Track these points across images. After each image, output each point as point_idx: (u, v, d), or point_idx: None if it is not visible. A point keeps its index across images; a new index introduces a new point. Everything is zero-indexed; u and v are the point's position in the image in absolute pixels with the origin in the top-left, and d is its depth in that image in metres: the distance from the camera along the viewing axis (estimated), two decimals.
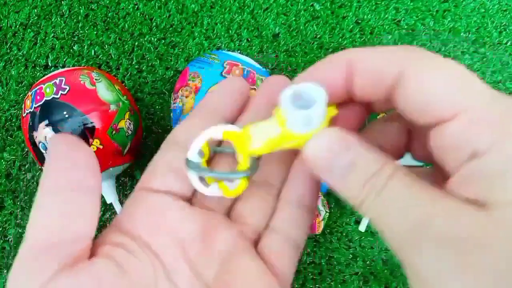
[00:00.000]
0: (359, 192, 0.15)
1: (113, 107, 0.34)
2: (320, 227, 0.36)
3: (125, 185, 0.40)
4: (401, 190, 0.14)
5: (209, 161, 0.20)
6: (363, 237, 0.38)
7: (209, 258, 0.18)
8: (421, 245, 0.13)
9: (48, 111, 0.32)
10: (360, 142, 0.16)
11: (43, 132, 0.32)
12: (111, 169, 0.35)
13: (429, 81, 0.14)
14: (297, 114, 0.16)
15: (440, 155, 0.15)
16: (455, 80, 0.14)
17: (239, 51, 0.43)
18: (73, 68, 0.36)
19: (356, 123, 0.19)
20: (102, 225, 0.39)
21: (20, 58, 0.44)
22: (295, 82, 0.17)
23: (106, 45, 0.44)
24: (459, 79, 0.14)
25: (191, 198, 0.20)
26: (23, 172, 0.40)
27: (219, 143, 0.21)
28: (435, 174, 0.18)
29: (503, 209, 0.12)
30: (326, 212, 0.37)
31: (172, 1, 0.45)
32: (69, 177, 0.16)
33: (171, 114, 0.36)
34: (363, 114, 0.19)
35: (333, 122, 0.17)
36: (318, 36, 0.44)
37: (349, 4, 0.45)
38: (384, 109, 0.18)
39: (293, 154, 0.20)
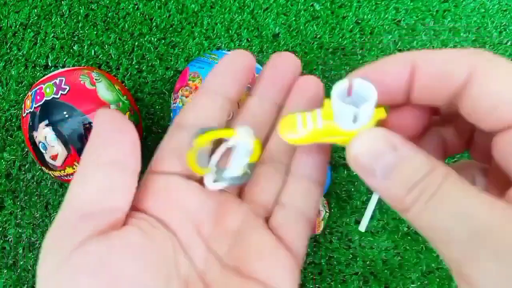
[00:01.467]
0: (404, 197, 0.14)
1: (113, 107, 0.34)
2: (320, 227, 0.36)
3: None
4: (456, 196, 0.13)
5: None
6: (363, 237, 0.38)
7: (222, 234, 0.19)
8: (479, 256, 0.13)
9: (48, 111, 0.32)
10: (407, 143, 0.15)
11: (43, 132, 0.32)
12: None
13: (499, 85, 0.14)
14: (345, 110, 0.15)
15: (503, 161, 0.14)
16: None
17: None
18: (73, 68, 0.36)
19: (413, 128, 0.17)
20: None
21: (20, 58, 0.44)
22: (352, 76, 0.16)
23: (106, 45, 0.44)
24: None
25: (202, 179, 0.20)
26: (23, 172, 0.40)
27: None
28: (493, 174, 0.17)
29: None
30: (326, 212, 0.37)
31: (172, 1, 0.45)
32: (110, 154, 0.17)
33: (171, 114, 0.36)
34: (423, 120, 0.17)
35: (386, 125, 0.16)
36: (318, 36, 0.44)
37: (349, 4, 0.45)
38: (445, 113, 0.18)
39: None
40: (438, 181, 0.14)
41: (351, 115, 0.15)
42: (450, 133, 0.18)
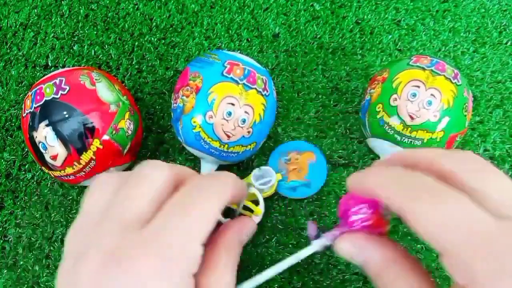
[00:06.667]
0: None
1: (113, 107, 0.34)
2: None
3: None
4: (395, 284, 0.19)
5: None
6: None
7: None
8: None
9: (48, 111, 0.32)
10: (367, 243, 0.21)
11: (43, 132, 0.32)
12: (111, 169, 0.35)
13: (424, 220, 0.17)
14: (258, 184, 0.35)
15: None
16: (448, 221, 0.16)
17: (239, 51, 0.43)
18: (73, 68, 0.36)
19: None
20: None
21: (20, 58, 0.44)
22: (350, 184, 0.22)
23: (106, 45, 0.44)
24: (451, 219, 0.16)
25: None
26: (23, 172, 0.40)
27: None
28: None
29: None
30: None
31: (172, 1, 0.45)
32: None
33: (172, 114, 0.36)
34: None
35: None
36: (318, 36, 0.44)
37: (349, 4, 0.45)
38: None
39: None
40: (390, 279, 0.20)
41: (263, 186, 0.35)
42: None
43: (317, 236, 0.24)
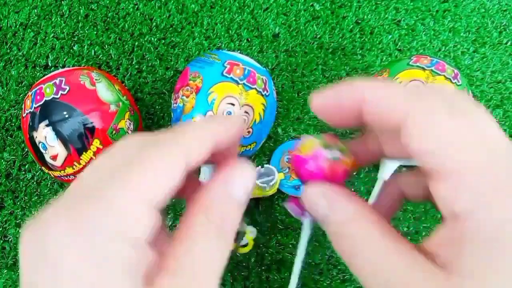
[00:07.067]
0: (340, 230, 0.18)
1: (113, 107, 0.34)
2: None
3: None
4: (366, 239, 0.17)
5: None
6: None
7: None
8: None
9: (48, 111, 0.32)
10: (336, 192, 0.19)
11: (43, 132, 0.32)
12: None
13: (427, 136, 0.15)
14: (261, 184, 0.36)
15: (434, 200, 0.16)
16: (450, 137, 0.15)
17: (239, 51, 0.43)
18: (73, 68, 0.36)
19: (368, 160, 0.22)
20: None
21: (20, 58, 0.44)
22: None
23: (106, 45, 0.44)
24: (456, 135, 0.15)
25: None
26: (23, 172, 0.40)
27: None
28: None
29: (462, 279, 0.14)
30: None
31: (172, 1, 0.45)
32: None
33: (172, 114, 0.36)
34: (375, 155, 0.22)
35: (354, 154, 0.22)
36: (318, 36, 0.44)
37: (349, 4, 0.45)
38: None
39: None
40: (357, 225, 0.17)
41: (264, 184, 0.36)
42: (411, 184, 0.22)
43: (303, 212, 0.22)
